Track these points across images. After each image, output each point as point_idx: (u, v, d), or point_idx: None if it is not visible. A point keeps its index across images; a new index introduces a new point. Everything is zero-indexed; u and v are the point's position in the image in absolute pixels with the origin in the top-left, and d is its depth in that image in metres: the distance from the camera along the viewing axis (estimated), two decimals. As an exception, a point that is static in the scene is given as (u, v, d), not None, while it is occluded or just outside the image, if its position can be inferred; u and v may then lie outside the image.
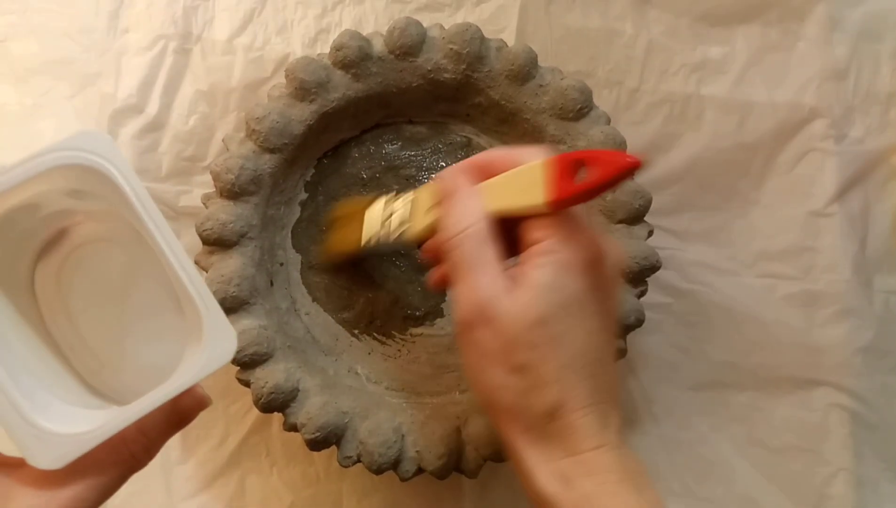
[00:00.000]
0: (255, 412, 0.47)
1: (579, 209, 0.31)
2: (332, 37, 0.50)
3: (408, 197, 0.38)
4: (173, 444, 0.47)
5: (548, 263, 0.29)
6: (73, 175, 0.27)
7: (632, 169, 0.28)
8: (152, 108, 0.49)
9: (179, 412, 0.30)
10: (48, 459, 0.25)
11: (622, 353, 0.43)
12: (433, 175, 0.47)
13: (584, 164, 0.28)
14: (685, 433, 0.49)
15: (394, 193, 0.40)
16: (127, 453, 0.28)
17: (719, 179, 0.50)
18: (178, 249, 0.28)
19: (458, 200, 0.32)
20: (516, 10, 0.50)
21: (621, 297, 0.32)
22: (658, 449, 0.49)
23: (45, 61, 0.49)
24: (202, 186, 0.48)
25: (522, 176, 0.31)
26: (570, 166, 0.29)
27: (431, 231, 0.35)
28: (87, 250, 0.31)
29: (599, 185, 0.28)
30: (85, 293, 0.31)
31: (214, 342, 0.28)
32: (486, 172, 0.32)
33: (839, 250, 0.49)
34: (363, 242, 0.40)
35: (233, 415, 0.48)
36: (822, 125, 0.49)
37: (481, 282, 0.30)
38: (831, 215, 0.49)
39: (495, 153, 0.33)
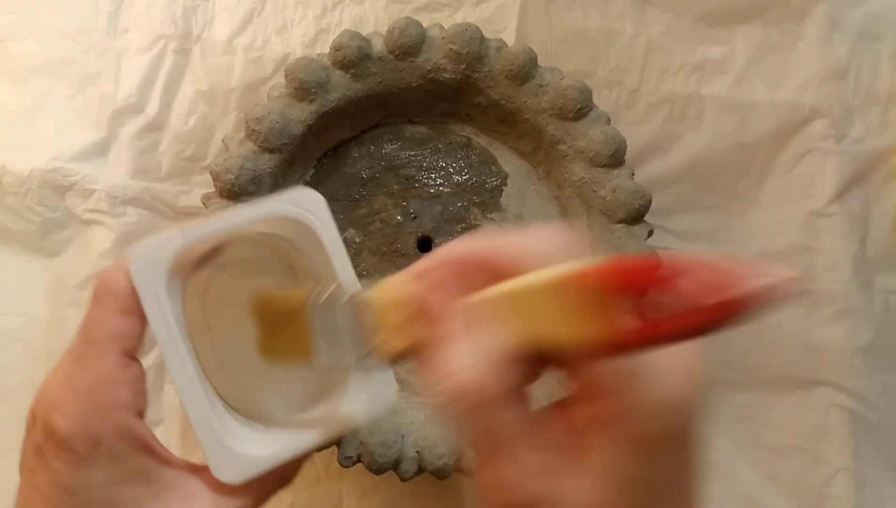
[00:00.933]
0: (255, 411, 0.47)
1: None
2: (332, 37, 0.49)
3: (354, 298, 0.25)
4: (173, 444, 0.47)
5: (615, 443, 0.20)
6: (286, 225, 0.29)
7: (747, 310, 0.16)
8: (152, 108, 0.49)
9: None
10: (231, 474, 0.27)
11: None
12: (434, 176, 0.47)
13: (662, 282, 0.16)
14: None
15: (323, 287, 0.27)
16: (283, 475, 0.29)
17: (719, 180, 0.50)
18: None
19: (456, 341, 0.21)
20: (516, 10, 0.50)
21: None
22: (658, 450, 0.48)
23: (45, 61, 0.49)
24: (202, 186, 0.48)
25: (548, 297, 0.19)
26: (639, 284, 0.17)
27: (414, 350, 0.23)
28: (236, 269, 0.31)
29: (695, 327, 0.16)
30: (225, 313, 0.30)
31: (373, 384, 0.29)
32: (485, 271, 0.21)
33: (839, 251, 0.49)
34: (314, 359, 0.27)
35: (233, 415, 0.48)
36: (822, 125, 0.49)
37: (530, 465, 0.21)
38: (831, 215, 0.49)
39: (497, 242, 0.22)
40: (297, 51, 0.50)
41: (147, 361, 0.48)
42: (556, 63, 0.45)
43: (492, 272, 0.21)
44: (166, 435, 0.47)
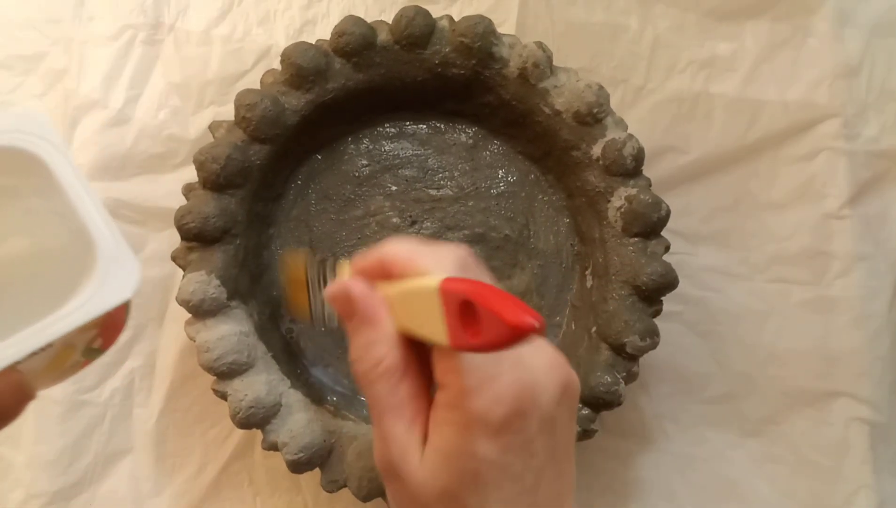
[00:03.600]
0: (236, 436, 0.44)
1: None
2: (319, 28, 0.47)
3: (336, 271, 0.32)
4: (146, 474, 0.43)
5: (451, 421, 0.25)
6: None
7: (522, 337, 0.21)
8: (116, 101, 0.46)
9: None
10: None
11: (633, 376, 0.41)
12: (436, 178, 0.44)
13: (476, 308, 0.22)
14: (699, 450, 0.46)
15: (325, 259, 0.36)
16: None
17: (729, 180, 0.48)
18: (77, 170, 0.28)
19: (358, 326, 0.27)
20: (516, 2, 0.48)
21: (568, 450, 0.27)
22: (671, 467, 0.46)
23: (10, 56, 0.46)
24: (172, 183, 0.45)
25: (420, 299, 0.25)
26: (463, 306, 0.23)
27: None
28: None
29: (491, 346, 0.22)
30: None
31: (110, 275, 0.27)
32: (387, 273, 0.28)
33: (854, 254, 0.47)
34: (311, 320, 0.36)
35: (211, 440, 0.44)
36: (834, 124, 0.47)
37: (393, 433, 0.26)
38: (845, 217, 0.47)
39: (397, 249, 0.28)
40: (281, 43, 0.47)
41: (114, 382, 0.44)
42: (557, 59, 0.43)
43: (389, 273, 0.27)
44: (137, 464, 0.44)
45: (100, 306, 0.27)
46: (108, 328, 0.30)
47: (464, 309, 0.23)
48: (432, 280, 0.24)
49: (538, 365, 0.26)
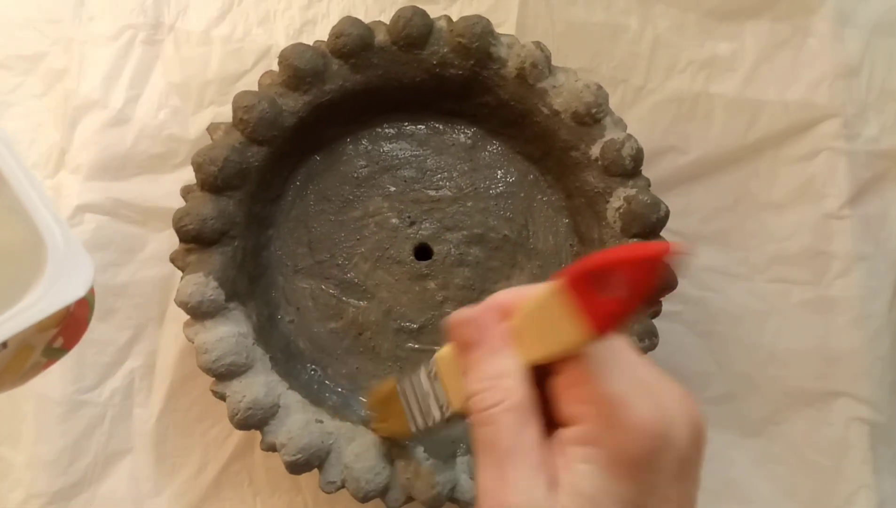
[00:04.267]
0: (236, 436, 0.44)
1: (631, 365, 0.24)
2: (319, 28, 0.47)
3: (430, 367, 0.31)
4: (146, 474, 0.43)
5: (588, 459, 0.23)
6: None
7: (661, 258, 0.21)
8: (116, 101, 0.46)
9: None
10: None
11: None
12: (434, 179, 0.44)
13: (605, 271, 0.22)
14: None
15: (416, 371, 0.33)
16: None
17: (729, 180, 0.48)
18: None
19: (484, 356, 0.26)
20: (516, 2, 0.48)
21: (694, 498, 0.25)
22: (671, 468, 0.46)
23: (10, 56, 0.46)
24: (172, 184, 0.45)
25: (544, 309, 0.24)
26: (590, 281, 0.22)
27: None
28: None
29: (635, 290, 0.21)
30: None
31: (62, 274, 0.27)
32: (507, 314, 0.26)
33: (854, 254, 0.47)
34: (411, 434, 0.33)
35: (211, 440, 0.44)
36: (834, 124, 0.47)
37: (517, 481, 0.23)
38: (845, 217, 0.47)
39: (514, 291, 0.27)
40: (281, 43, 0.47)
41: (114, 382, 0.44)
42: (557, 60, 0.43)
43: (510, 313, 0.26)
44: (137, 464, 0.44)
45: (50, 306, 0.26)
46: (68, 326, 0.29)
47: (590, 289, 0.22)
48: (548, 285, 0.23)
49: (670, 399, 0.24)
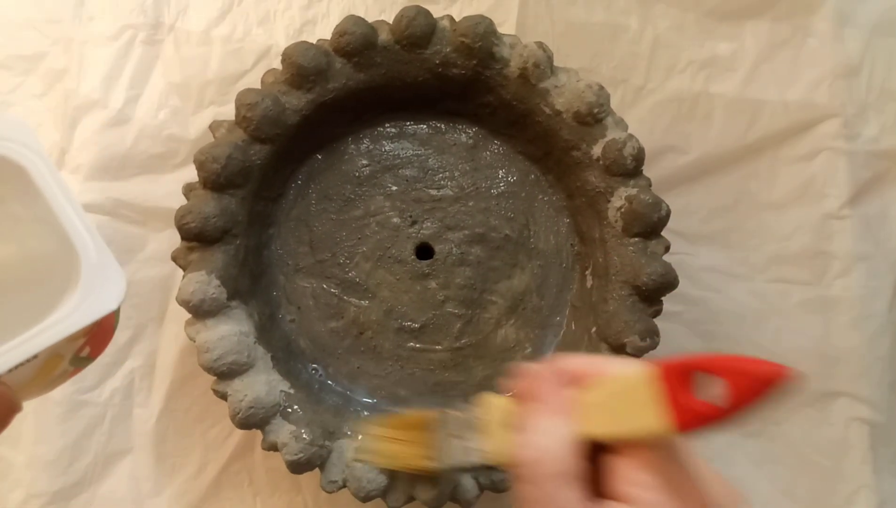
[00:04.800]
0: (236, 436, 0.44)
1: (696, 464, 0.25)
2: (319, 28, 0.47)
3: (474, 411, 0.31)
4: (146, 474, 0.43)
5: None
6: None
7: (777, 382, 0.21)
8: (117, 101, 0.46)
9: None
10: None
11: None
12: (436, 178, 0.44)
13: (708, 373, 0.22)
14: (699, 450, 0.46)
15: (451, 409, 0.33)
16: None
17: (729, 180, 0.48)
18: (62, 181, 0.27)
19: (543, 416, 0.26)
20: (516, 3, 0.48)
21: None
22: (671, 468, 0.46)
23: (10, 56, 0.46)
24: (172, 183, 0.45)
25: (628, 391, 0.24)
26: (687, 378, 0.22)
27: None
28: None
29: (736, 402, 0.21)
30: None
31: (94, 286, 0.27)
32: (577, 382, 0.26)
33: (854, 254, 0.47)
34: (432, 468, 0.33)
35: (211, 440, 0.44)
36: (834, 124, 0.47)
37: None
38: (846, 217, 0.47)
39: (590, 360, 0.27)
40: (281, 42, 0.47)
41: (114, 382, 0.44)
42: (557, 60, 0.42)
43: (580, 382, 0.26)
44: (137, 464, 0.43)
45: (84, 318, 0.27)
46: (96, 336, 0.29)
47: (683, 385, 0.22)
48: (640, 369, 0.23)
49: (718, 492, 0.24)
